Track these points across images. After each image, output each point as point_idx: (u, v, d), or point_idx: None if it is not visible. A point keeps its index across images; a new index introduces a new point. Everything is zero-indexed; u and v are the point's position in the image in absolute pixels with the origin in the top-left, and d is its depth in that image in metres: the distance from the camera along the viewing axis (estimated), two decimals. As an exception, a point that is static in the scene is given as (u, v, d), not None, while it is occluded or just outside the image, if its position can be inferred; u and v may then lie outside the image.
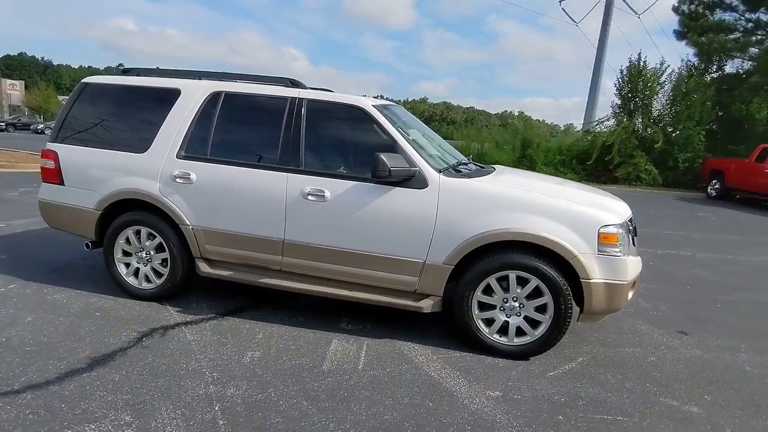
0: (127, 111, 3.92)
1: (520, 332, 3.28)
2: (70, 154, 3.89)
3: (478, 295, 3.28)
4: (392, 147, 3.36)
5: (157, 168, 3.68)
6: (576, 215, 3.15)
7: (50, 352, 3.00)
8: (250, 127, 3.73)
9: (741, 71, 17.71)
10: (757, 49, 17.21)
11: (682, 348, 3.68)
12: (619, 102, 17.48)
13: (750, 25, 17.47)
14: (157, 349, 3.12)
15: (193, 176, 3.59)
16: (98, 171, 3.82)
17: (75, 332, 3.27)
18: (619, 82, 17.38)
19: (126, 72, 4.11)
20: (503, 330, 3.31)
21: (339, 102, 3.57)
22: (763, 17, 17.06)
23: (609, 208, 3.33)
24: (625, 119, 16.71)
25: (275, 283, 3.58)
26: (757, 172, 13.76)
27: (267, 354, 3.16)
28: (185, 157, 3.64)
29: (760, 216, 12.07)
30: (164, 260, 3.80)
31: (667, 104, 16.67)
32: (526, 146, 16.72)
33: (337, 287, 3.51)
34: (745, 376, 3.30)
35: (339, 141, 3.73)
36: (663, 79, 16.72)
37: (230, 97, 3.69)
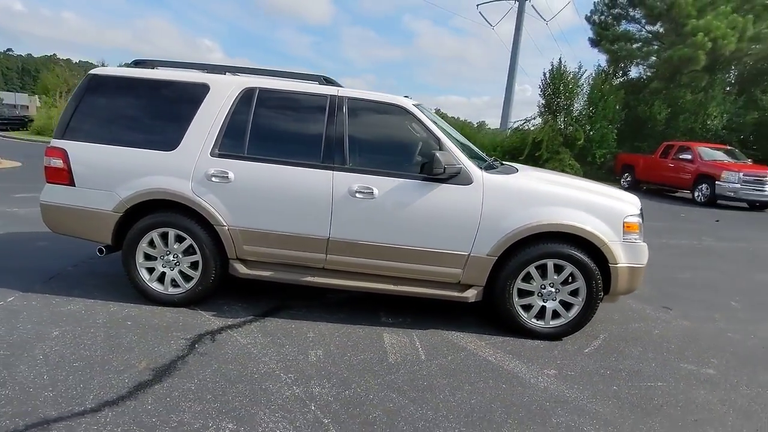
0: (148, 106, 3.67)
1: (555, 315, 3.60)
2: (81, 153, 3.56)
3: (519, 283, 3.54)
4: (436, 145, 3.51)
5: (189, 167, 3.50)
6: (604, 207, 3.53)
7: (103, 366, 2.78)
8: (288, 124, 3.67)
9: (643, 77, 19.97)
10: (656, 58, 19.49)
11: (674, 321, 4.25)
12: (543, 102, 18.91)
13: (650, 36, 19.75)
14: (218, 355, 3.01)
15: (231, 175, 3.47)
16: (118, 170, 3.54)
17: (117, 343, 3.05)
18: (542, 84, 18.83)
19: (138, 64, 3.82)
20: (540, 314, 3.61)
21: (381, 101, 3.64)
22: (661, 29, 19.35)
23: (627, 201, 3.76)
24: (549, 118, 18.14)
25: (320, 281, 3.59)
26: (661, 166, 15.71)
27: (329, 352, 3.19)
28: (220, 156, 3.50)
29: (667, 204, 13.81)
30: (193, 263, 3.63)
31: (585, 105, 18.33)
32: (464, 143, 17.50)
33: (382, 282, 3.60)
34: (732, 340, 3.91)
35: (381, 139, 3.79)
36: (581, 82, 18.37)
37: (265, 93, 3.60)
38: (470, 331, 3.68)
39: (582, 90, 18.35)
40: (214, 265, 3.60)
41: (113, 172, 3.55)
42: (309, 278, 3.60)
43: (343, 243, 3.52)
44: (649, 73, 19.78)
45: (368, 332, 3.53)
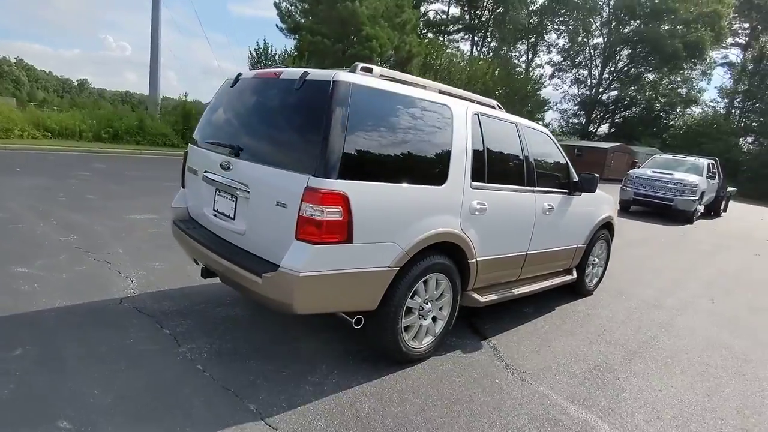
0: (410, 129, 2.88)
1: (592, 276, 5.30)
2: (362, 196, 2.53)
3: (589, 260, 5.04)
4: (566, 165, 4.45)
5: (458, 201, 3.13)
6: (611, 201, 5.40)
7: None
8: (500, 149, 3.67)
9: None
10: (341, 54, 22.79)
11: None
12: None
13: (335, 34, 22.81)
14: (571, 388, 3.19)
15: (487, 205, 3.34)
16: (398, 214, 2.75)
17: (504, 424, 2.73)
18: (251, 60, 19.17)
19: (364, 70, 2.82)
20: (589, 279, 5.23)
21: (538, 128, 4.22)
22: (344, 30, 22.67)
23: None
24: None
25: (520, 291, 3.96)
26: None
27: (572, 349, 3.81)
28: (475, 186, 3.28)
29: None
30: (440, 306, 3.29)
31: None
32: (189, 119, 15.76)
33: (541, 281, 4.33)
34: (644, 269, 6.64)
35: (541, 161, 4.24)
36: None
37: (484, 118, 3.51)
38: (563, 301, 4.90)
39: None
40: (458, 301, 3.38)
41: (394, 217, 2.73)
42: (514, 292, 3.91)
43: (534, 255, 4.02)
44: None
45: (547, 324, 4.23)
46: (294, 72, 2.82)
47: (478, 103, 3.77)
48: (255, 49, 19.22)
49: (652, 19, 44.94)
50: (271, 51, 19.38)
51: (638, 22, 46.69)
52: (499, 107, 3.99)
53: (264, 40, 19.63)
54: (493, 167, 3.50)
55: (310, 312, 2.61)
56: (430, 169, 3.01)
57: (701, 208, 14.53)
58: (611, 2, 47.82)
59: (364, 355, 3.16)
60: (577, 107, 52.59)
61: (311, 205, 2.40)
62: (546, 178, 4.23)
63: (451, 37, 47.49)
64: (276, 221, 2.57)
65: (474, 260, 3.35)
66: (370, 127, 2.68)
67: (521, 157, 3.84)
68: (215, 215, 3.04)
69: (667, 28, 44.07)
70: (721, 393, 3.31)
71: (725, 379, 3.53)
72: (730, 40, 47.00)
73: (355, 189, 2.51)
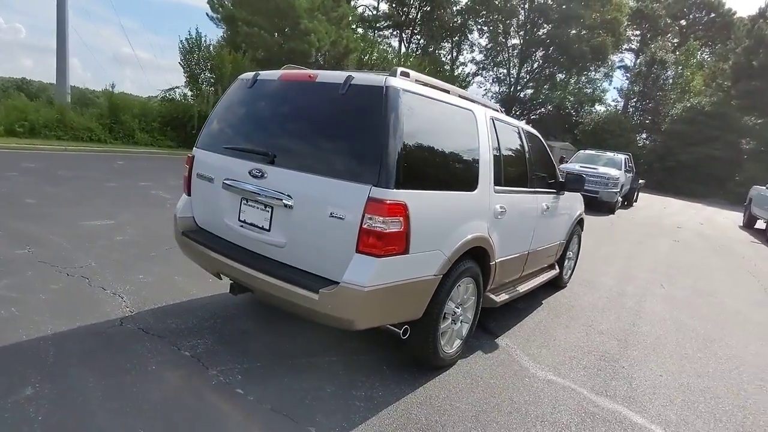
0: (445, 135, 2.87)
1: (567, 269, 5.65)
2: (418, 205, 2.49)
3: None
4: (554, 166, 4.68)
5: (486, 205, 3.19)
6: (582, 198, 5.76)
7: None
8: (510, 153, 3.75)
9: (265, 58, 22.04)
10: (279, 47, 21.91)
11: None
12: (187, 71, 18.06)
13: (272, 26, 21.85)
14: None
15: (506, 208, 3.43)
16: (442, 221, 2.76)
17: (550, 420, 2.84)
18: (182, 53, 17.95)
19: (403, 75, 2.73)
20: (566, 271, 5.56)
21: (532, 131, 4.38)
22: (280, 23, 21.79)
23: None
24: (208, 89, 17.68)
25: (522, 289, 4.12)
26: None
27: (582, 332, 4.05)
28: (497, 191, 3.35)
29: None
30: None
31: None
32: (117, 112, 14.36)
33: (535, 276, 4.54)
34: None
35: (537, 163, 4.35)
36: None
37: (498, 122, 3.59)
38: (546, 294, 5.17)
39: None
40: (480, 303, 3.46)
41: (440, 225, 2.73)
42: (519, 290, 4.06)
43: (533, 253, 4.20)
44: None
45: (539, 316, 4.45)
46: (333, 75, 2.71)
47: (490, 108, 3.85)
48: (186, 38, 17.95)
49: (562, 24, 48.26)
50: (205, 41, 18.24)
51: (551, 25, 49.97)
52: (502, 111, 4.10)
53: (197, 29, 18.51)
54: (507, 171, 3.60)
55: (368, 326, 2.53)
56: (465, 175, 3.04)
57: (620, 199, 15.94)
58: (527, 6, 50.74)
59: (396, 363, 3.13)
60: (498, 104, 55.20)
61: (374, 216, 2.33)
62: (541, 180, 4.42)
63: (381, 33, 47.78)
64: (329, 234, 2.46)
65: (494, 262, 3.43)
66: (418, 133, 2.64)
67: (525, 160, 3.99)
68: (242, 226, 2.84)
69: (574, 32, 47.55)
70: (707, 374, 3.68)
71: (704, 361, 3.94)
72: (626, 46, 51.89)
73: (411, 198, 2.47)
